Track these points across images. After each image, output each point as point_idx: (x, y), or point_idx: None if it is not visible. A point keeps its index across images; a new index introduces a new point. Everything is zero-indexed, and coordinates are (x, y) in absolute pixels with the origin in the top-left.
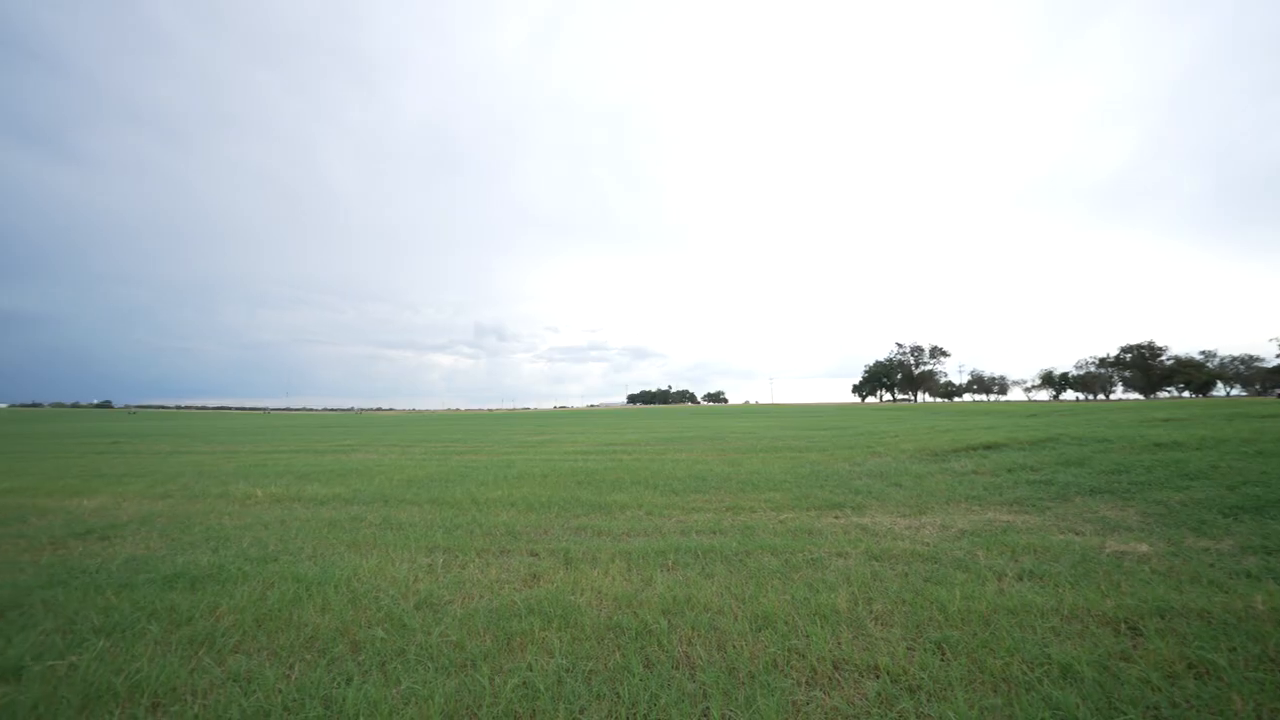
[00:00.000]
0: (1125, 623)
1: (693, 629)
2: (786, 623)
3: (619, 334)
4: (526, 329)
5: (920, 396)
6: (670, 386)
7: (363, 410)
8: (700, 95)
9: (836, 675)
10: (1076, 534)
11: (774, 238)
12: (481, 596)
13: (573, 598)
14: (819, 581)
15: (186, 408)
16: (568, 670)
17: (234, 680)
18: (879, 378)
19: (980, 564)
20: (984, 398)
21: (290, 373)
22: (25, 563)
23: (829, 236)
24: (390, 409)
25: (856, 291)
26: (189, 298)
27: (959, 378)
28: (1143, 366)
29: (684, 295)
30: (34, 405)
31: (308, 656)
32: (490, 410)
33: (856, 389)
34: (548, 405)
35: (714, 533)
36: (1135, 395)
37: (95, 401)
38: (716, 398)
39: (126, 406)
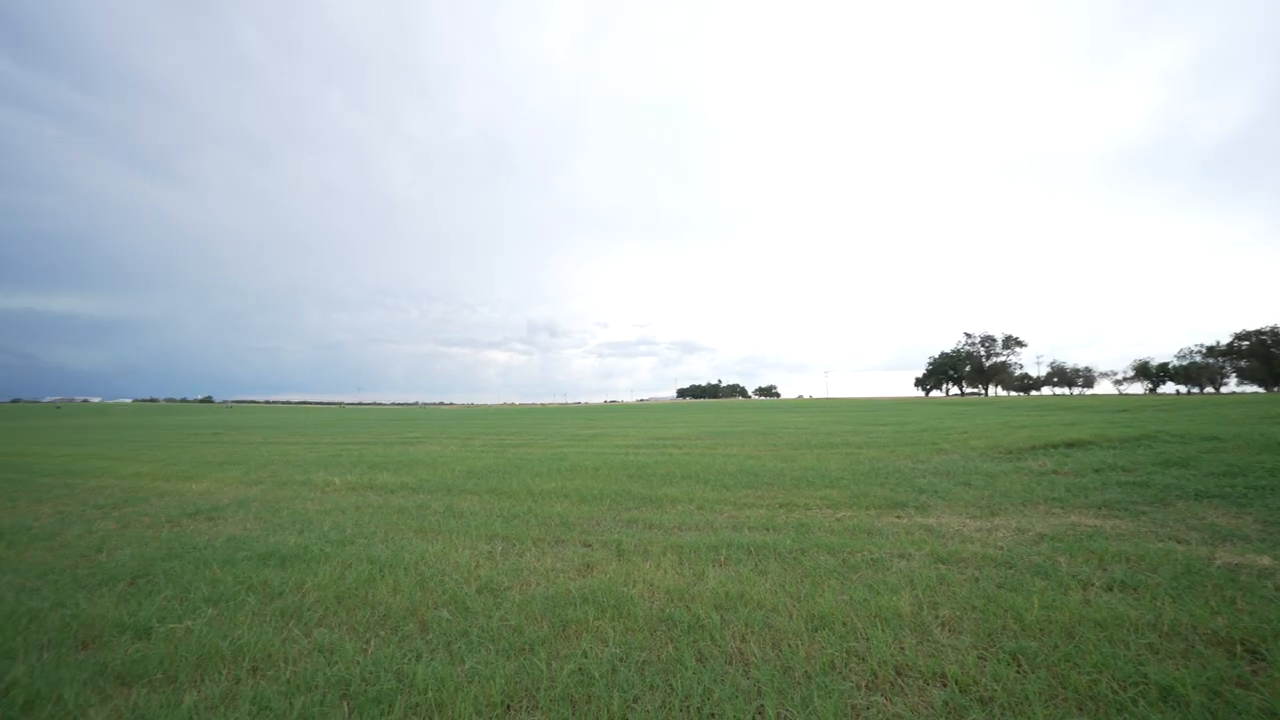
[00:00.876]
0: (1242, 644)
1: (746, 625)
2: (845, 624)
3: (668, 328)
4: (577, 325)
5: (992, 390)
6: (720, 380)
7: (425, 404)
8: (753, 82)
9: (899, 681)
10: (1179, 542)
11: (830, 225)
12: (538, 584)
13: (625, 589)
14: (880, 583)
15: (273, 402)
16: (621, 659)
17: (319, 651)
18: (945, 370)
19: (1062, 571)
20: (1066, 391)
21: (361, 369)
22: (149, 537)
23: (890, 221)
24: (450, 403)
25: (919, 279)
26: (275, 303)
27: (1037, 369)
28: (1263, 356)
29: (734, 288)
30: (151, 400)
31: (381, 633)
32: (543, 405)
33: (920, 382)
34: (598, 400)
35: (767, 529)
36: (1254, 388)
37: (200, 397)
38: (768, 392)
39: (225, 402)
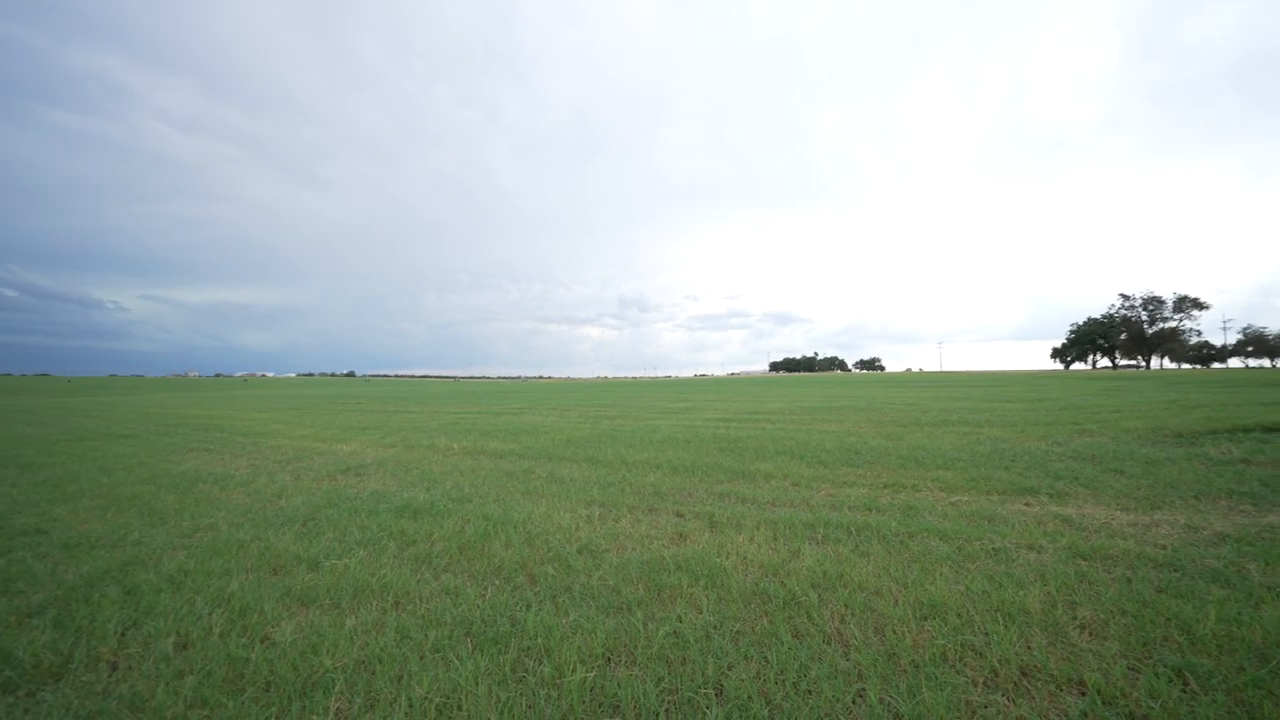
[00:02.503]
0: None
1: (846, 607)
2: (959, 615)
3: (760, 300)
4: (667, 299)
5: (1158, 362)
6: (816, 353)
7: (526, 378)
8: (859, 22)
9: (1024, 682)
10: None
11: (948, 178)
12: (633, 549)
13: (718, 560)
14: (1003, 575)
15: (401, 376)
16: (715, 627)
17: (446, 593)
18: (1091, 339)
19: (1252, 580)
20: (1266, 363)
21: (472, 346)
22: (314, 488)
23: (1022, 168)
24: (549, 376)
25: (1058, 234)
26: (400, 288)
27: (1222, 337)
28: None
29: (833, 254)
30: (309, 375)
31: (496, 582)
32: (634, 378)
33: (1058, 353)
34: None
35: (869, 510)
36: None
37: (345, 372)
38: (870, 365)
39: (364, 376)
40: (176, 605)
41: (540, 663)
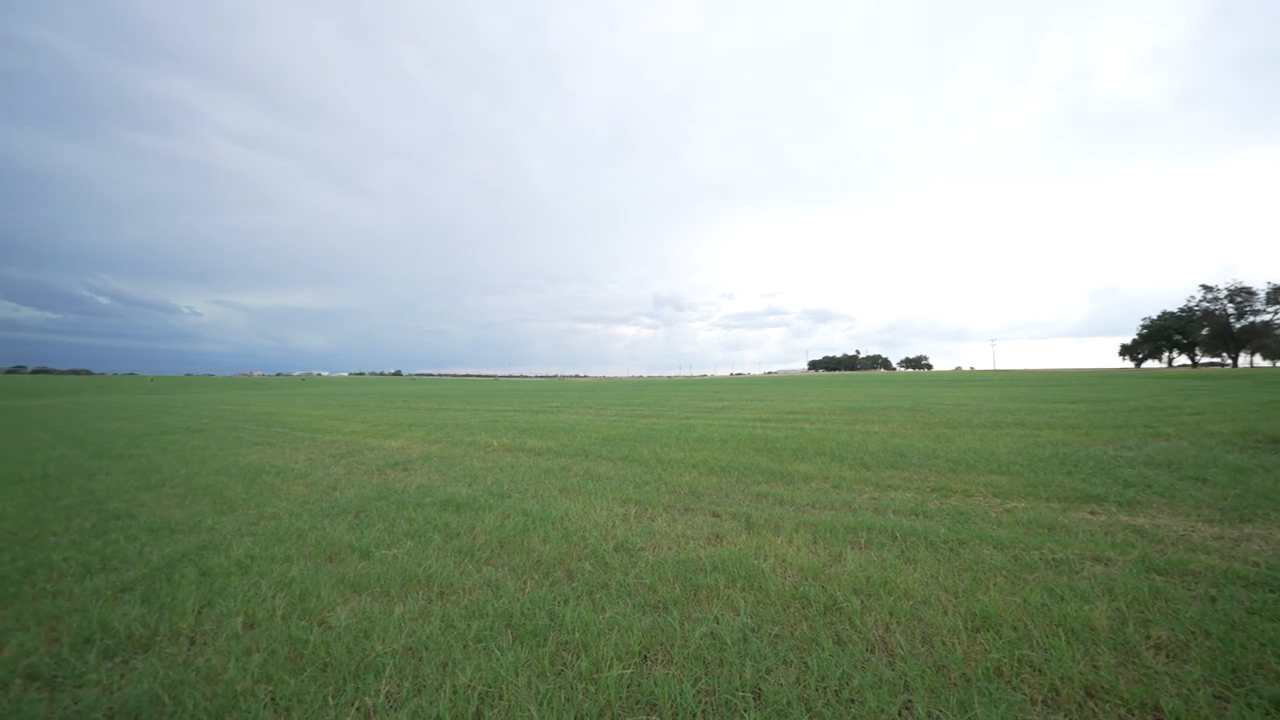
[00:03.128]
0: None
1: (890, 615)
2: (1015, 629)
3: (798, 297)
4: (702, 297)
5: (1247, 359)
6: (858, 351)
7: (563, 377)
8: (893, 9)
9: (1090, 704)
10: None
11: (995, 166)
12: (669, 548)
13: (756, 562)
14: (1065, 588)
15: (443, 375)
16: (753, 630)
17: (488, 585)
18: (1167, 334)
19: None
20: None
21: (510, 346)
22: (365, 481)
23: (1077, 156)
24: (585, 375)
25: (1123, 223)
26: (440, 290)
27: None
28: None
29: (874, 249)
30: (360, 374)
31: (535, 576)
32: (669, 377)
33: (1129, 350)
34: (724, 372)
35: (916, 515)
36: None
37: (392, 371)
38: (916, 363)
39: (410, 375)
40: (244, 588)
41: (578, 657)
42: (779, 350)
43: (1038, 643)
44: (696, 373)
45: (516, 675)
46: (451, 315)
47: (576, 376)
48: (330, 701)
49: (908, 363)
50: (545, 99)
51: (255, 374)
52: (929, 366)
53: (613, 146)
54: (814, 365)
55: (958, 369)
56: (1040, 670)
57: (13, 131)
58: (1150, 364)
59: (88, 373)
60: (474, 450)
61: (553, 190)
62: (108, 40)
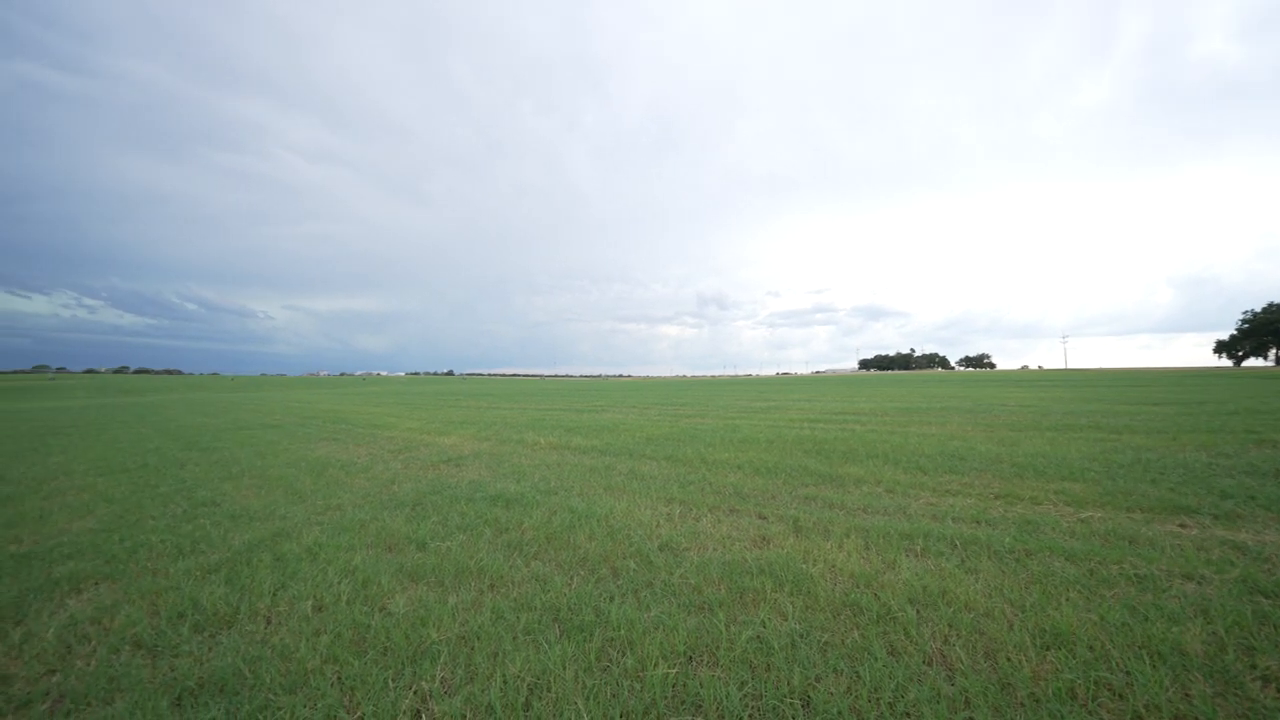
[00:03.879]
0: None
1: (949, 627)
2: (1091, 648)
3: (848, 294)
4: (747, 296)
5: None
6: (913, 350)
7: (607, 376)
8: None
9: None
10: None
11: (1067, 149)
12: (714, 549)
13: (804, 566)
14: (1149, 607)
15: (493, 374)
16: (801, 636)
17: (535, 579)
18: (1273, 329)
19: None
20: None
21: (555, 346)
22: (421, 476)
23: (1162, 134)
24: (628, 375)
25: (1218, 207)
26: (490, 292)
27: None
28: None
29: (932, 242)
30: (415, 374)
31: (581, 573)
32: (713, 377)
33: (1225, 347)
34: (769, 372)
35: (978, 522)
36: None
37: (445, 370)
38: (977, 362)
39: (461, 375)
40: (313, 573)
41: (624, 654)
42: (827, 349)
43: (1118, 665)
44: (741, 372)
45: (564, 669)
46: (500, 316)
47: (620, 376)
48: (390, 684)
49: (967, 361)
50: (589, 101)
51: (321, 374)
52: (991, 365)
53: (655, 145)
54: (865, 365)
55: (1024, 368)
56: (1121, 695)
57: (116, 157)
58: (1253, 362)
59: (179, 372)
60: (522, 448)
61: (596, 192)
62: (194, 69)
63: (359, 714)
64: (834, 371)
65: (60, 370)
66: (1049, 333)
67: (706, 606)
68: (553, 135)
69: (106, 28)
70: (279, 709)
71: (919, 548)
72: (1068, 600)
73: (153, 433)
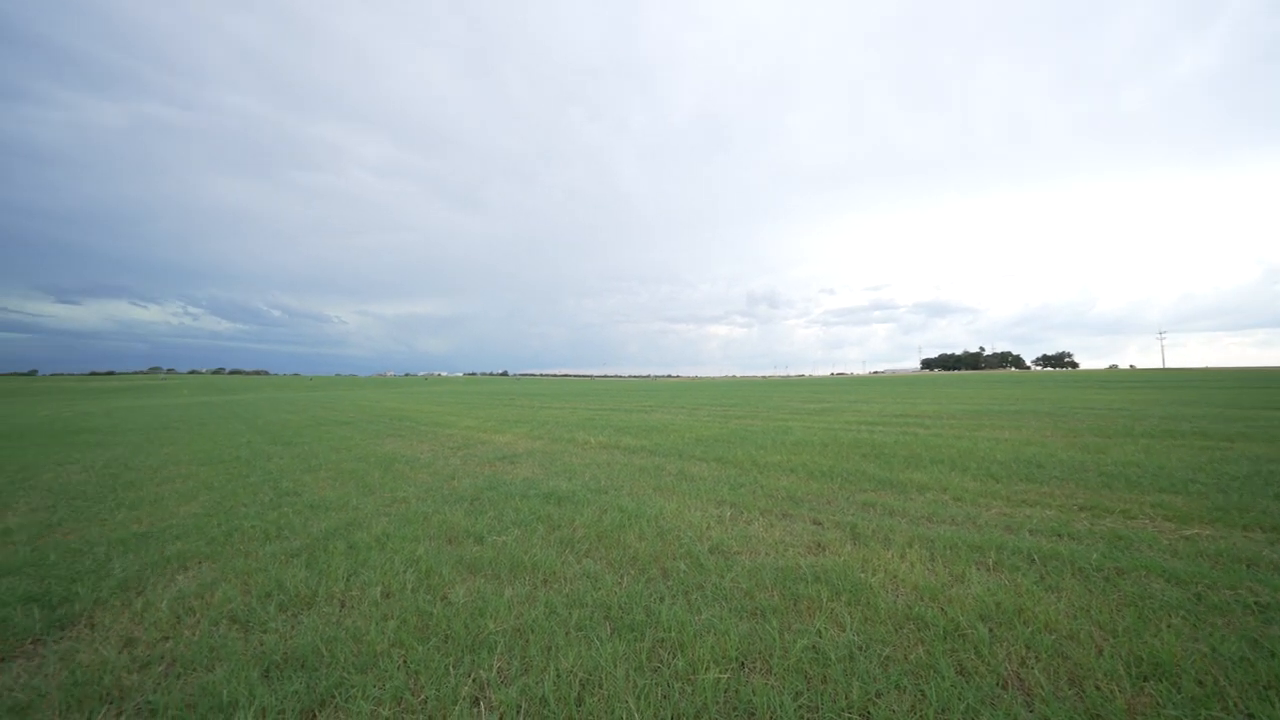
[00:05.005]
0: None
1: (1027, 648)
2: (1200, 683)
3: (909, 290)
4: (799, 293)
5: None
6: (982, 348)
7: (655, 377)
8: None
9: None
10: None
11: (1164, 125)
12: (767, 554)
13: (863, 575)
14: (1276, 640)
15: (544, 375)
16: (860, 648)
17: (587, 576)
18: None
19: None
20: None
21: (605, 346)
22: (478, 472)
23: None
24: (677, 375)
25: None
26: (541, 295)
27: None
28: None
29: (1003, 232)
30: (473, 374)
31: (631, 572)
32: (764, 377)
33: None
34: (824, 372)
35: (1059, 536)
36: None
37: (500, 371)
38: (1057, 361)
39: (515, 375)
40: (382, 561)
41: (674, 656)
42: (886, 348)
43: (1236, 705)
44: (793, 372)
45: (615, 666)
46: (551, 318)
47: (669, 376)
48: (451, 670)
49: (1045, 360)
50: (636, 105)
51: (388, 374)
52: (1073, 365)
53: (703, 144)
54: (928, 364)
55: (1112, 367)
56: None
57: (215, 180)
58: None
59: (266, 373)
60: (573, 447)
61: (645, 194)
62: (280, 98)
63: (423, 697)
64: (894, 371)
65: (170, 371)
66: (1143, 328)
67: (759, 612)
68: (602, 140)
69: (209, 66)
70: (352, 687)
71: (991, 561)
72: (1169, 627)
73: (244, 428)
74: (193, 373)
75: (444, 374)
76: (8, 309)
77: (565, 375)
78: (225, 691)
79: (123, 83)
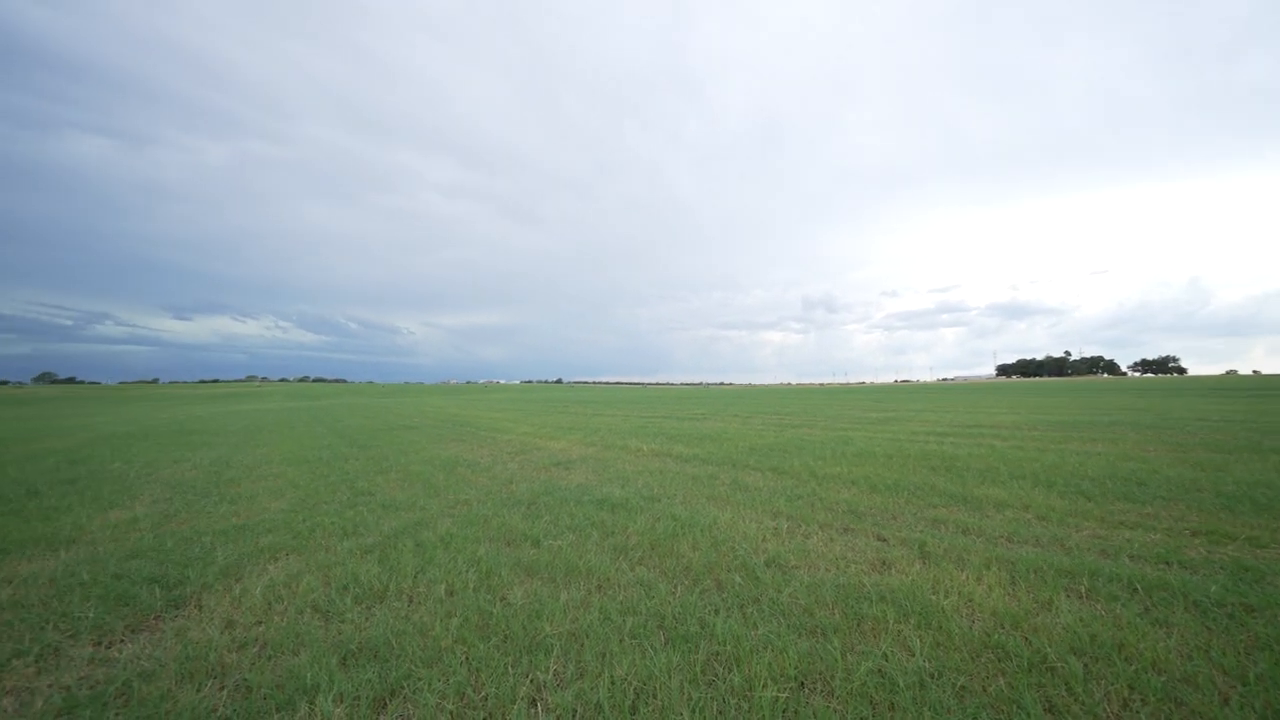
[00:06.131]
0: None
1: (1131, 689)
2: None
3: (981, 291)
4: (859, 297)
5: None
6: (1068, 352)
7: (708, 384)
8: None
9: None
10: None
11: None
12: (827, 570)
13: (933, 597)
14: None
15: (597, 382)
16: (932, 676)
17: (640, 584)
18: None
19: None
20: None
21: (656, 354)
22: (535, 477)
23: None
24: (730, 383)
25: None
26: (595, 304)
27: None
28: None
29: (1090, 224)
30: (529, 382)
31: (685, 582)
32: (821, 385)
33: None
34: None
35: (1166, 563)
36: None
37: (554, 379)
38: (1160, 366)
39: (569, 382)
40: (446, 561)
41: (730, 670)
42: (956, 353)
43: None
44: (853, 379)
45: (669, 677)
46: (604, 326)
47: (721, 384)
48: (509, 670)
49: (1145, 366)
50: (688, 113)
51: (450, 382)
52: (1179, 370)
53: (757, 147)
54: (1005, 370)
55: (1230, 373)
56: None
57: (302, 205)
58: None
59: (344, 381)
60: (625, 454)
61: (697, 200)
62: (358, 128)
63: (484, 694)
64: (965, 378)
65: (264, 379)
66: (1272, 327)
67: (819, 630)
68: (655, 150)
69: (298, 102)
70: (419, 679)
71: (1084, 588)
72: None
73: (325, 431)
74: (282, 380)
75: (501, 381)
76: (139, 325)
77: (617, 383)
78: (309, 675)
79: (227, 123)
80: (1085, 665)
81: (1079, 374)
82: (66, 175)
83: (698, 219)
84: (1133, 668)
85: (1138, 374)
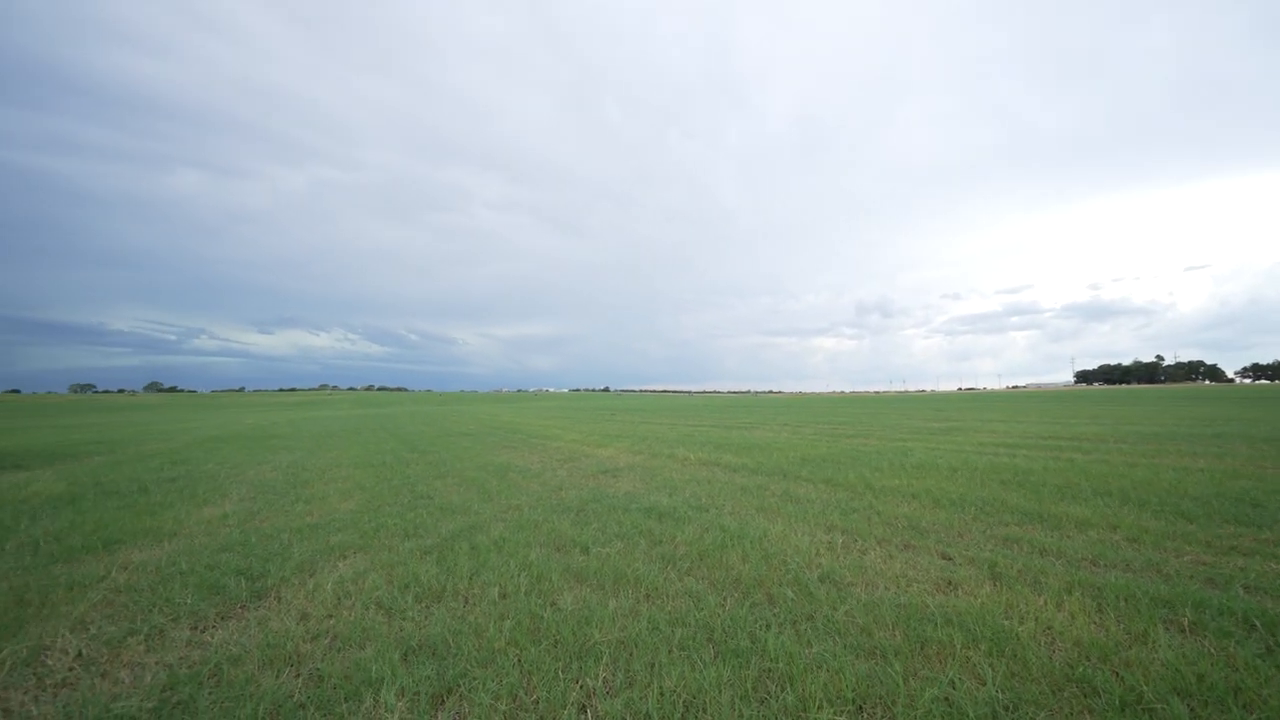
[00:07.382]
0: None
1: None
2: None
3: (1055, 291)
4: (917, 300)
5: None
6: (1160, 357)
7: (756, 392)
8: None
9: None
10: None
11: None
12: (886, 588)
13: (1006, 623)
14: None
15: (644, 391)
16: (1006, 708)
17: (688, 595)
18: None
19: None
20: None
21: (703, 362)
22: (583, 484)
23: None
24: (779, 391)
25: None
26: (640, 312)
27: None
28: None
29: (1182, 216)
30: (576, 390)
31: (735, 595)
32: (876, 393)
33: None
34: (949, 386)
35: None
36: None
37: (601, 387)
38: (1275, 372)
39: (616, 391)
40: (499, 564)
41: (783, 689)
42: (1028, 359)
43: None
44: (912, 387)
45: (719, 692)
46: (649, 334)
47: (770, 392)
48: (560, 675)
49: (1256, 371)
50: (731, 119)
51: (502, 390)
52: None
53: (802, 150)
54: (1085, 377)
55: None
56: None
57: (366, 224)
58: None
59: (406, 390)
60: (672, 462)
61: (742, 207)
62: (416, 150)
63: (535, 696)
64: (1039, 386)
65: (334, 388)
66: None
67: (879, 652)
68: (698, 157)
69: (364, 130)
70: (474, 679)
71: (1187, 621)
72: None
73: (388, 437)
74: (350, 389)
75: (551, 390)
76: (229, 339)
77: (664, 391)
78: (374, 668)
79: (303, 153)
80: (1191, 709)
81: (1174, 381)
82: (168, 206)
83: (742, 224)
84: (1254, 717)
85: (1248, 380)
